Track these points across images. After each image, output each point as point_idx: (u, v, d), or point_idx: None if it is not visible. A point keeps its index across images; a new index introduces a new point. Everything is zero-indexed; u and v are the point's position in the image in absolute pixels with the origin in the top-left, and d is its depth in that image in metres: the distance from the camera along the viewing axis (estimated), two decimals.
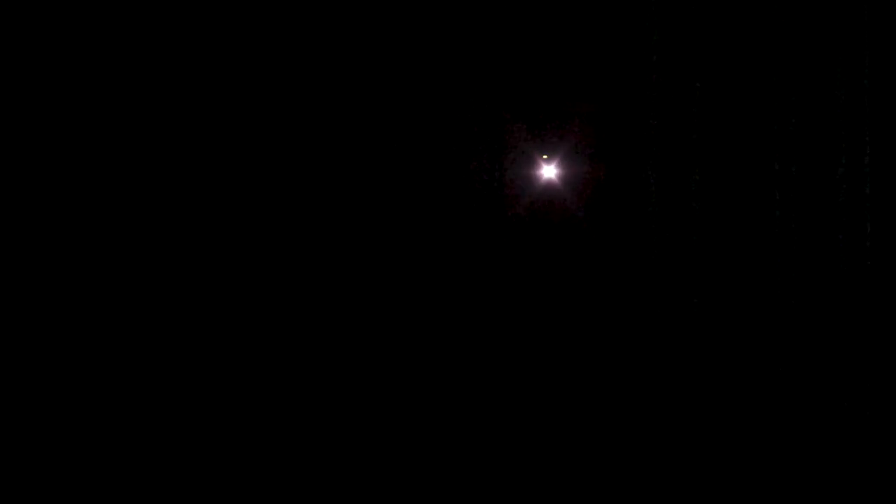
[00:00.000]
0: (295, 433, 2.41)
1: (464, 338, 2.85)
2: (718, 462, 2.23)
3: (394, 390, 2.66)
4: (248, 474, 2.16)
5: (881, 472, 2.09)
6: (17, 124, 2.77)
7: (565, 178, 2.96)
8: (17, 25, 2.77)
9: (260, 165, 2.90)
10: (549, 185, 2.96)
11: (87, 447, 2.31)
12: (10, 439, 2.34)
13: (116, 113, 2.85)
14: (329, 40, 2.93)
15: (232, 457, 2.25)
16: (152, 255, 2.84)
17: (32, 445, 2.32)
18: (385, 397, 2.63)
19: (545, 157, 2.96)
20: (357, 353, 2.80)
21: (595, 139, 2.92)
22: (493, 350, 2.83)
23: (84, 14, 2.81)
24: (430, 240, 2.92)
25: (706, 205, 2.71)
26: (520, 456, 2.28)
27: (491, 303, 2.91)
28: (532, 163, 2.97)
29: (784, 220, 2.59)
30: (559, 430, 2.44)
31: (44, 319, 2.75)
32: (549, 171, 2.96)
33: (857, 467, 2.12)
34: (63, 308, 2.77)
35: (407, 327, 2.85)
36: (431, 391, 2.66)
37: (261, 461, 2.24)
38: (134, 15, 2.85)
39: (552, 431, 2.44)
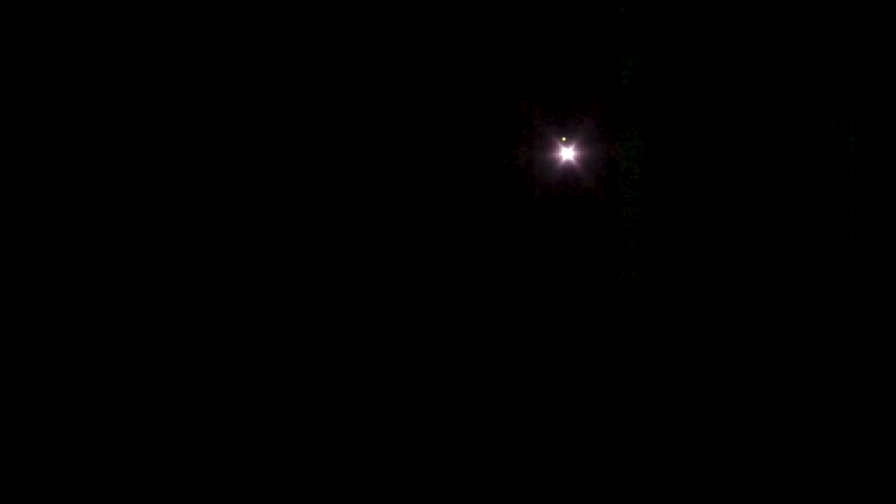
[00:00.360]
0: (302, 428, 2.42)
1: (485, 319, 2.86)
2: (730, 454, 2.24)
3: (420, 368, 2.68)
4: (248, 474, 2.17)
5: (879, 472, 2.09)
6: (17, 124, 2.78)
7: (584, 160, 2.95)
8: (16, 25, 2.76)
9: (281, 158, 2.90)
10: (567, 168, 2.95)
11: (87, 447, 2.31)
12: (10, 439, 2.35)
13: (115, 112, 2.85)
14: (346, 29, 2.92)
15: (232, 456, 2.25)
16: (159, 255, 2.85)
17: (32, 445, 2.33)
18: (411, 376, 2.65)
19: (563, 139, 2.94)
20: (379, 336, 2.82)
21: (613, 121, 2.90)
22: (512, 331, 2.84)
23: (84, 14, 2.80)
24: (449, 223, 2.93)
25: (717, 186, 2.71)
26: (547, 443, 2.29)
27: (511, 285, 2.93)
28: (551, 145, 2.96)
29: (789, 206, 2.58)
30: (582, 415, 2.46)
31: (43, 319, 2.77)
32: (567, 154, 2.95)
33: (855, 466, 2.11)
34: (62, 307, 2.79)
35: (428, 308, 2.87)
36: (459, 371, 2.67)
37: (262, 461, 2.24)
38: (133, 14, 2.84)
39: (576, 415, 2.45)
